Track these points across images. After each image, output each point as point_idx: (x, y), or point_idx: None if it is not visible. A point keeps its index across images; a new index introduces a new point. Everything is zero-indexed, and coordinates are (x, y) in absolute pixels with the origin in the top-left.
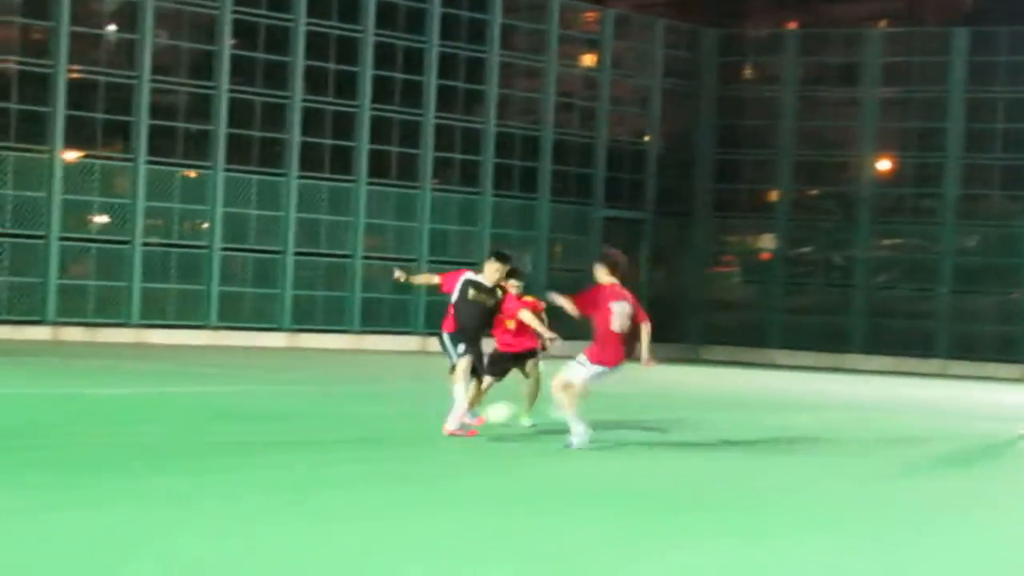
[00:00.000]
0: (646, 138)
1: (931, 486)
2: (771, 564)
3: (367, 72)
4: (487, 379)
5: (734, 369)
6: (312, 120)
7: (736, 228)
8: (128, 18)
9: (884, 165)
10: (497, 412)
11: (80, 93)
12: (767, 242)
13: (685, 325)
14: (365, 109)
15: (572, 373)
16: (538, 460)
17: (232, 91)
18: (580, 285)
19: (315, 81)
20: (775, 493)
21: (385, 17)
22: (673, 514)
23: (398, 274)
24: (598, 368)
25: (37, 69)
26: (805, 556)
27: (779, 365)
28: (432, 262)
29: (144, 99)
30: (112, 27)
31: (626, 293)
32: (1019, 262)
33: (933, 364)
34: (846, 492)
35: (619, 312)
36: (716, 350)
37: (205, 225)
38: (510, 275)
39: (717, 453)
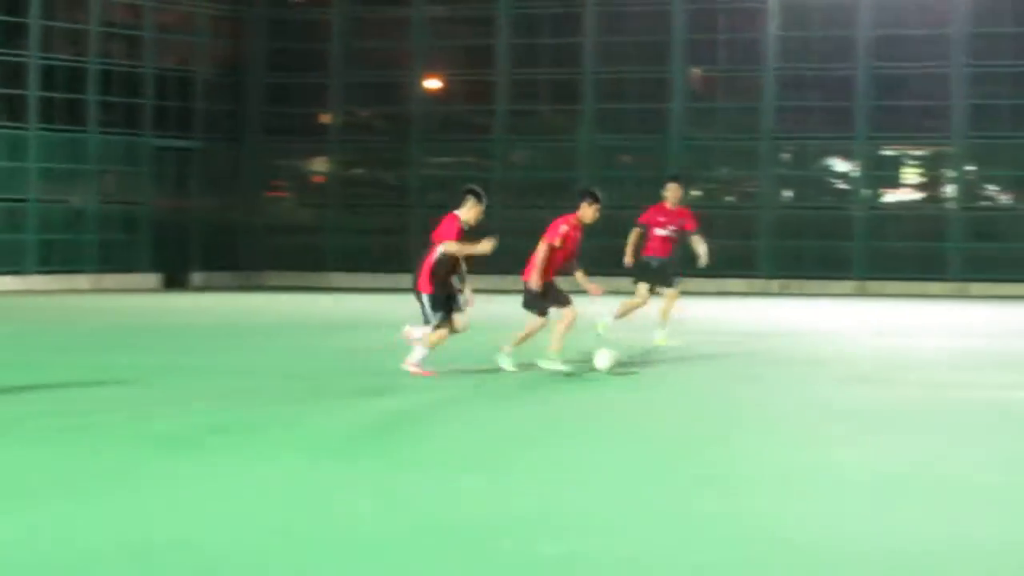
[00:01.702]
0: (194, 65)
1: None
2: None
3: None
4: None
5: (295, 294)
6: None
7: (290, 152)
8: None
9: (435, 83)
10: (602, 359)
11: None
12: (321, 165)
13: (241, 252)
14: None
15: None
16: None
17: None
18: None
19: None
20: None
21: None
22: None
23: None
24: None
25: None
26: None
27: (338, 288)
28: None
29: None
30: None
31: None
32: (571, 175)
33: (490, 280)
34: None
35: None
36: (274, 276)
37: None
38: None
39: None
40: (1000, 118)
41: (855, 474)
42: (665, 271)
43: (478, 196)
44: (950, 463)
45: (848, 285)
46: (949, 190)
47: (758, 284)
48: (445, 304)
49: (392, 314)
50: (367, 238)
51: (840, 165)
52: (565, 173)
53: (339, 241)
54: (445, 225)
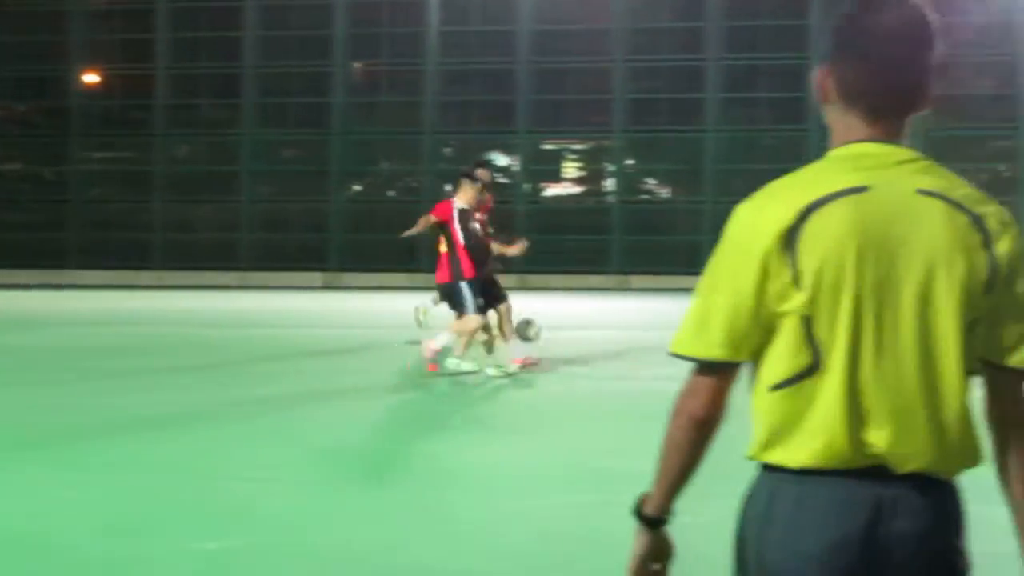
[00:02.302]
0: None
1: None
2: None
3: None
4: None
5: None
6: None
7: None
8: None
9: (94, 78)
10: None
11: None
12: None
13: None
14: None
15: None
16: None
17: None
18: None
19: None
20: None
21: None
22: None
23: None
24: None
25: None
26: None
27: None
28: None
29: None
30: None
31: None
32: (233, 169)
33: (150, 275)
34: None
35: None
36: None
37: None
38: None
39: None
40: (659, 112)
41: (508, 468)
42: None
43: (470, 177)
44: (615, 453)
45: (511, 279)
46: (609, 183)
47: (420, 278)
48: (483, 290)
49: (55, 312)
50: (24, 234)
51: (502, 159)
52: (227, 167)
53: None
54: (438, 213)
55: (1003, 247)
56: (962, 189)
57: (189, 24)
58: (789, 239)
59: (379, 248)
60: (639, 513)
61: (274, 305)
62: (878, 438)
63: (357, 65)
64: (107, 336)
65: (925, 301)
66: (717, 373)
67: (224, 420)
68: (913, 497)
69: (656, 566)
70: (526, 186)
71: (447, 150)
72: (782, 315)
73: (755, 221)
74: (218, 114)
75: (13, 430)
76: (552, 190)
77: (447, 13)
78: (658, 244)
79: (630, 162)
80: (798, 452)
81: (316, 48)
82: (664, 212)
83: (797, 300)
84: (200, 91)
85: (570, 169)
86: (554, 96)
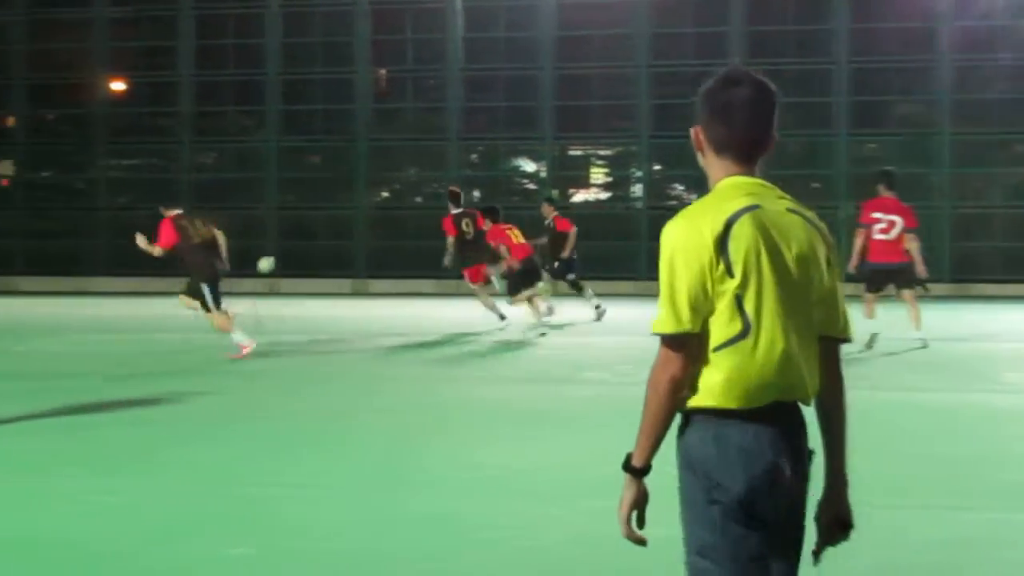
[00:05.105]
0: None
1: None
2: None
3: None
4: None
5: None
6: None
7: None
8: None
9: (118, 85)
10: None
11: None
12: (6, 169)
13: None
14: None
15: None
16: None
17: None
18: None
19: None
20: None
21: None
22: None
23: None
24: None
25: None
26: None
27: (23, 291)
28: None
29: None
30: None
31: None
32: (259, 176)
33: (173, 282)
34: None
35: None
36: None
37: None
38: None
39: None
40: (684, 118)
41: (536, 472)
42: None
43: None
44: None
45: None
46: (636, 189)
47: (450, 285)
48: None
49: (79, 319)
50: (54, 242)
51: (528, 165)
52: (253, 174)
53: (25, 244)
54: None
55: (829, 247)
56: (805, 210)
57: (212, 31)
58: (722, 242)
59: (406, 254)
60: (628, 467)
61: (308, 312)
62: (784, 378)
63: (380, 71)
64: (132, 343)
65: (803, 280)
66: (685, 343)
67: (253, 427)
68: (796, 422)
69: (637, 512)
70: (554, 191)
71: (473, 156)
72: (720, 295)
73: (694, 232)
74: (243, 121)
75: (55, 436)
76: (580, 195)
77: (470, 20)
78: None
79: (657, 168)
80: (740, 398)
81: (339, 54)
82: None
83: (731, 284)
84: (225, 98)
85: (597, 175)
86: (578, 102)
